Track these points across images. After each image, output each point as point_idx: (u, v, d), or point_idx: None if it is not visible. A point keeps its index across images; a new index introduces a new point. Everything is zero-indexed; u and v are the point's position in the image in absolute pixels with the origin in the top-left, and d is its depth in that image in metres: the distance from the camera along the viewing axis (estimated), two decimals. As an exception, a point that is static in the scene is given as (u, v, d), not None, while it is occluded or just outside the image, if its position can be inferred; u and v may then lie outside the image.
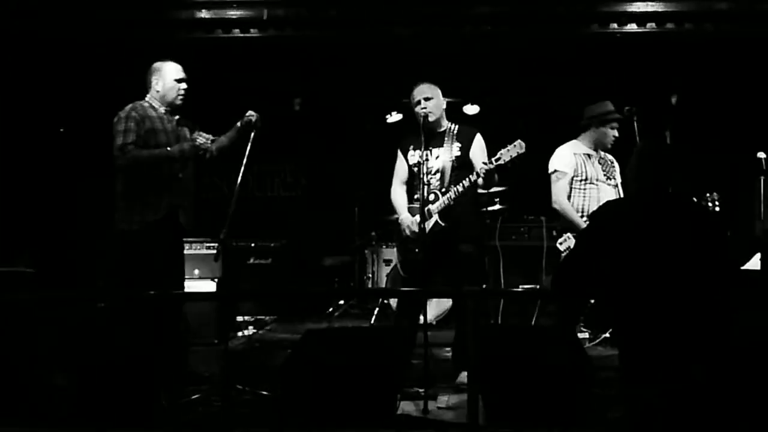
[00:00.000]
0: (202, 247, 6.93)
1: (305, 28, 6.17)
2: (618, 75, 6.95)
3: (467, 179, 4.52)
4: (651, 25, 6.14)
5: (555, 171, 5.03)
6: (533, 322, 6.30)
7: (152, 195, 4.39)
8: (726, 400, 2.74)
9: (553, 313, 6.32)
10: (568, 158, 5.02)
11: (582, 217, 4.91)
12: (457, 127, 4.79)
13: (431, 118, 4.65)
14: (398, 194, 4.86)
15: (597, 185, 4.98)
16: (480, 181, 4.51)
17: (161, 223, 4.41)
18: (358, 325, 6.88)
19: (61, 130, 8.47)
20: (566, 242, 4.88)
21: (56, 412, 3.63)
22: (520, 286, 6.56)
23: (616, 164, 5.18)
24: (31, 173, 7.82)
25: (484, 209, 6.71)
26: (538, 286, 6.51)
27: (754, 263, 5.20)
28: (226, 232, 4.26)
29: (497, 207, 6.87)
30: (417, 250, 4.62)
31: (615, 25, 6.16)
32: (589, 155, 5.04)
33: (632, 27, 6.16)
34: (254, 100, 7.36)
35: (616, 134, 5.02)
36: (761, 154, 4.98)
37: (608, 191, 4.98)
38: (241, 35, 6.19)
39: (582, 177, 4.98)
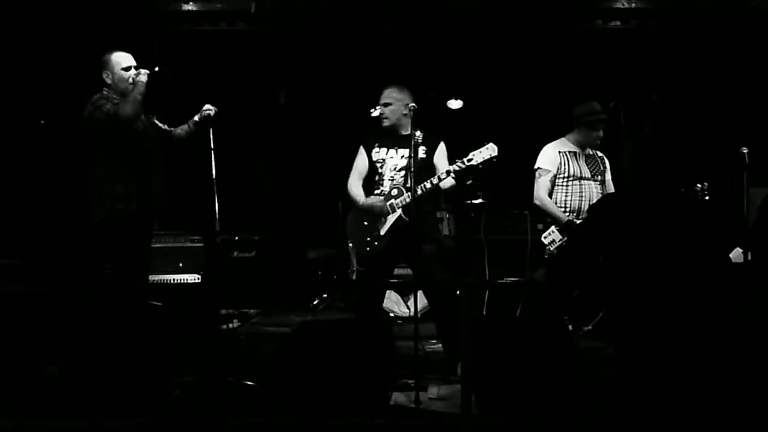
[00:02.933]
0: (186, 241, 6.91)
1: (294, 21, 6.15)
2: (601, 71, 7.03)
3: (435, 177, 4.66)
4: (635, 22, 6.22)
5: (538, 168, 5.19)
6: (518, 314, 6.36)
7: (133, 182, 4.43)
8: (718, 389, 2.80)
9: (538, 306, 6.40)
10: (551, 156, 5.16)
11: (565, 212, 5.07)
12: (421, 134, 4.86)
13: (385, 123, 4.83)
14: (356, 186, 4.93)
15: (580, 183, 5.11)
16: (448, 180, 4.65)
17: (141, 209, 4.47)
18: (344, 318, 6.90)
19: (42, 121, 8.39)
20: (550, 236, 5.02)
21: (48, 402, 3.63)
22: (505, 279, 6.62)
23: (606, 161, 5.31)
24: (7, 164, 7.77)
25: (468, 203, 6.79)
26: (522, 279, 6.57)
27: (735, 256, 5.31)
28: (219, 223, 4.30)
29: (478, 201, 6.91)
30: (376, 243, 4.72)
31: (599, 22, 6.22)
32: (575, 153, 5.17)
33: (616, 24, 6.23)
34: (240, 93, 7.44)
35: (601, 134, 5.15)
36: (744, 149, 5.07)
37: (593, 189, 5.14)
38: (229, 28, 6.16)
39: (564, 174, 5.12)
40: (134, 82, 4.47)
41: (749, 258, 5.21)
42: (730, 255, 4.92)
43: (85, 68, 6.79)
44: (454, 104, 7.93)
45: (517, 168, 5.50)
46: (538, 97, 7.69)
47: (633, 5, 6.13)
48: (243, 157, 8.90)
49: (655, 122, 6.81)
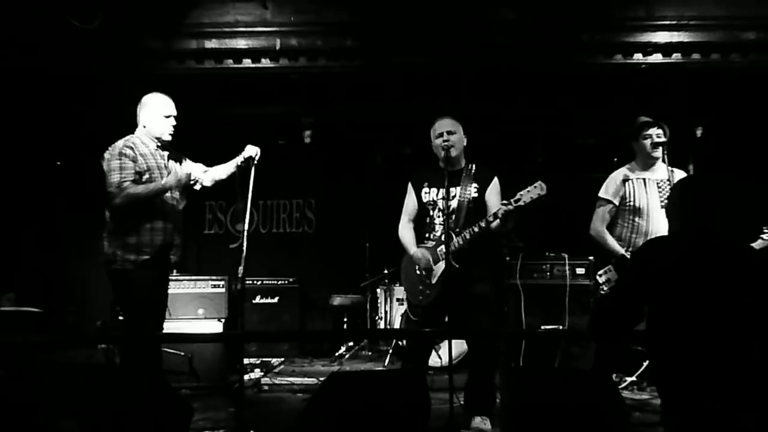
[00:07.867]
0: (207, 286, 6.66)
1: (319, 58, 5.97)
2: (642, 105, 6.79)
3: (483, 221, 4.40)
4: (677, 56, 5.98)
5: (600, 198, 4.92)
6: (556, 365, 6.05)
7: (147, 233, 4.29)
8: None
9: (577, 356, 6.08)
10: (615, 186, 4.87)
11: (624, 247, 4.75)
12: (475, 166, 4.65)
13: (453, 153, 4.52)
14: (407, 231, 4.69)
15: (647, 216, 4.75)
16: (496, 222, 4.36)
17: (154, 260, 4.30)
18: (371, 368, 6.64)
19: (58, 163, 8.33)
20: (606, 275, 4.71)
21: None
22: (542, 327, 6.31)
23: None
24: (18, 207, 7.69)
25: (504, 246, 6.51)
26: (560, 327, 6.26)
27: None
28: (244, 269, 4.07)
29: (515, 244, 6.64)
30: (428, 291, 4.48)
31: (639, 56, 6.00)
32: (644, 180, 4.83)
33: (657, 57, 6.00)
34: (263, 132, 7.27)
35: (655, 139, 4.78)
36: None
37: (661, 218, 4.69)
38: (253, 65, 6.00)
39: (630, 206, 4.80)
40: (193, 179, 4.54)
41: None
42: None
43: (105, 110, 6.75)
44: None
45: (554, 207, 5.18)
46: (577, 133, 7.46)
47: (674, 39, 5.88)
48: (265, 199, 8.77)
49: (698, 158, 6.58)
